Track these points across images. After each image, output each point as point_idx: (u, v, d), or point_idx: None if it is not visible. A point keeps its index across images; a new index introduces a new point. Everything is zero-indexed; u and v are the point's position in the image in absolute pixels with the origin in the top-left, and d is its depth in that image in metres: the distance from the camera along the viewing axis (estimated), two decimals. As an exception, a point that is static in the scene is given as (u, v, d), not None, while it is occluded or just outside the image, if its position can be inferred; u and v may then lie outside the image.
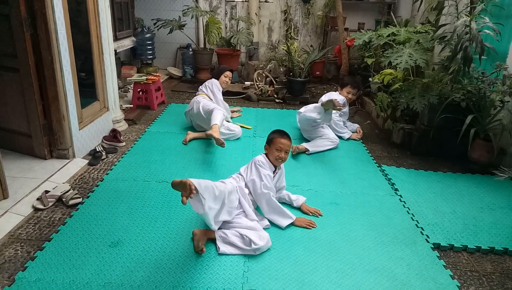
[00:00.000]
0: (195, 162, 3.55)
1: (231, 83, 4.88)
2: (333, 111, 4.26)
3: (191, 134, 4.04)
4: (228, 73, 4.47)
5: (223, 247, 2.36)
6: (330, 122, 4.08)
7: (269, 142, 2.70)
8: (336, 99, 3.70)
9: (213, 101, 4.24)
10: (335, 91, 4.58)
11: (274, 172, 2.72)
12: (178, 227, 2.58)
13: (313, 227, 2.65)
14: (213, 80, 4.40)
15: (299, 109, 4.55)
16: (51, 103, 3.22)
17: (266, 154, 2.72)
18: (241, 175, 2.71)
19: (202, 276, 2.16)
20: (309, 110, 4.03)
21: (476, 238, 2.64)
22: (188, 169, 3.41)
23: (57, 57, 3.12)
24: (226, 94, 4.48)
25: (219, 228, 2.48)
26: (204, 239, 2.39)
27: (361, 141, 4.30)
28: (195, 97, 4.28)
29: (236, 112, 4.88)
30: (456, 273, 2.34)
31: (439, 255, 2.47)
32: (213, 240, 2.43)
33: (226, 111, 4.32)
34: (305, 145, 3.91)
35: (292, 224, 2.64)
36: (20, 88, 3.16)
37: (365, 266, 2.32)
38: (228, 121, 4.37)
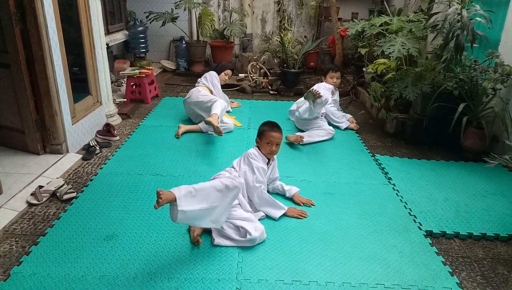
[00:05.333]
0: (189, 155, 3.56)
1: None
2: (329, 100, 4.25)
3: (183, 127, 4.04)
4: (229, 71, 4.57)
5: (218, 239, 2.38)
6: (321, 111, 4.07)
7: (260, 135, 2.69)
8: (313, 88, 3.84)
9: (214, 92, 4.28)
10: (322, 82, 4.57)
11: (268, 164, 2.73)
12: (172, 219, 2.59)
13: (304, 217, 2.67)
14: (212, 72, 4.45)
15: (293, 104, 4.57)
16: (43, 98, 3.21)
17: (258, 147, 2.72)
18: (234, 168, 2.71)
19: (196, 267, 2.18)
20: (302, 111, 4.07)
21: (468, 224, 2.67)
22: (182, 162, 3.42)
23: (48, 52, 3.10)
24: (222, 86, 4.51)
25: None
26: (200, 230, 2.41)
27: (355, 131, 4.31)
28: (195, 87, 4.30)
29: (236, 103, 4.94)
30: (448, 260, 2.37)
31: (431, 242, 2.50)
32: (208, 231, 2.44)
33: (226, 102, 4.35)
34: (300, 133, 3.93)
35: (284, 214, 2.66)
36: (12, 83, 3.14)
37: (359, 254, 2.34)
38: (228, 111, 4.41)
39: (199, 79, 4.45)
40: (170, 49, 7.11)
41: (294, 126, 4.34)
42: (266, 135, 2.64)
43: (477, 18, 3.44)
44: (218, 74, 4.45)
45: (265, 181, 2.70)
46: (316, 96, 3.76)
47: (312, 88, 3.90)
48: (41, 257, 2.20)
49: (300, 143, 3.84)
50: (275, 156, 2.80)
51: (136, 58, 6.63)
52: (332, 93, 4.44)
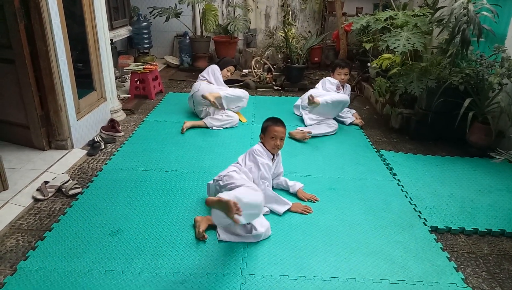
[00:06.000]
0: (193, 151, 3.56)
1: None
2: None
3: (188, 123, 4.04)
4: (231, 67, 4.54)
5: (223, 235, 2.38)
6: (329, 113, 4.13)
7: (264, 130, 2.69)
8: (310, 95, 4.01)
9: (215, 85, 4.28)
10: (330, 76, 4.56)
11: (272, 159, 2.73)
12: (177, 215, 2.60)
13: (309, 212, 2.67)
14: (214, 65, 4.43)
15: (298, 99, 4.58)
16: (47, 94, 3.22)
17: (262, 143, 2.72)
18: (239, 164, 2.71)
19: (201, 262, 2.18)
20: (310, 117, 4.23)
21: (474, 220, 2.66)
22: (187, 157, 3.42)
23: (52, 48, 3.10)
24: (225, 82, 4.50)
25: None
26: (205, 225, 2.41)
27: (360, 126, 4.30)
28: (197, 82, 4.29)
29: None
30: (453, 255, 2.36)
31: (436, 237, 2.49)
32: (214, 227, 2.45)
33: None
34: (305, 128, 3.93)
35: (288, 210, 2.66)
36: (16, 79, 3.15)
37: (363, 250, 2.34)
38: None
39: (200, 74, 4.43)
40: (174, 44, 7.10)
41: (299, 121, 4.33)
42: (270, 130, 2.64)
43: (484, 12, 3.40)
44: (221, 69, 4.44)
45: (270, 177, 2.70)
46: (312, 101, 3.97)
47: (310, 94, 4.07)
48: (47, 252, 2.22)
49: (306, 138, 3.85)
50: (279, 152, 2.79)
51: (140, 53, 6.62)
52: (338, 88, 4.42)
